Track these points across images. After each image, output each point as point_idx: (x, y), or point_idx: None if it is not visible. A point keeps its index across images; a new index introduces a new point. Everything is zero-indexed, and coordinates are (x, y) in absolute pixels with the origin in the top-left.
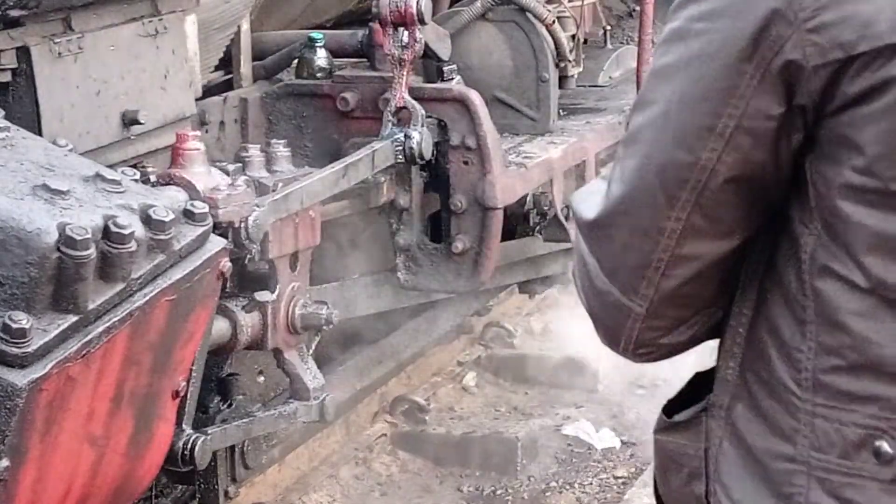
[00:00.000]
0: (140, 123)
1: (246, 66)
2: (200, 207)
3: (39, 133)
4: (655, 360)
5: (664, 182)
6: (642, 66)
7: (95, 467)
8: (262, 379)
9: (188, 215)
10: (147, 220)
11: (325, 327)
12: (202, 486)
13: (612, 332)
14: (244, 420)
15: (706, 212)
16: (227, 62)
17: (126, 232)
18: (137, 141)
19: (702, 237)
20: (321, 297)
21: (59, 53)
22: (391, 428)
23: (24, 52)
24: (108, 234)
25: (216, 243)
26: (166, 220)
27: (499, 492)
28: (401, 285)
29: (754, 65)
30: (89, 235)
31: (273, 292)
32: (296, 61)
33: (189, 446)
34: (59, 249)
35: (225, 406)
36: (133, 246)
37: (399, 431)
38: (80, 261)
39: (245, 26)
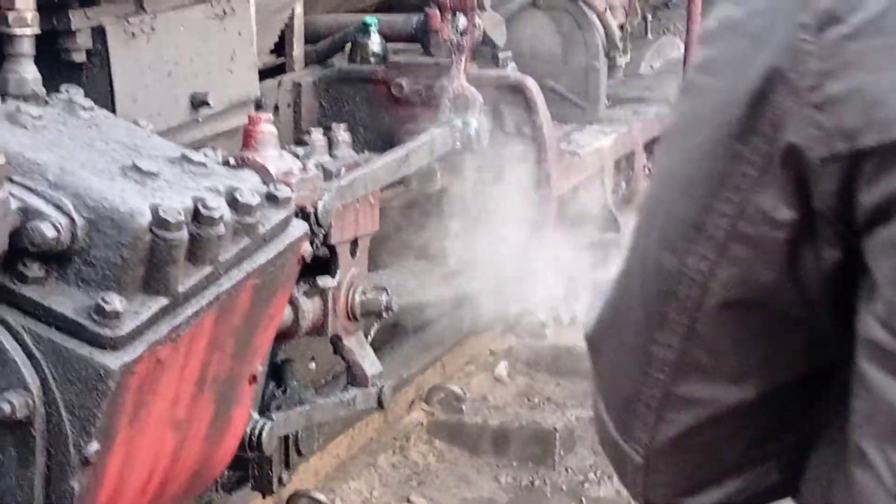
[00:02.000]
0: (209, 105)
1: (299, 50)
2: (284, 191)
3: (113, 114)
4: None
5: (648, 293)
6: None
7: (177, 452)
8: (313, 365)
9: (271, 199)
10: (233, 203)
11: (385, 314)
12: (256, 472)
13: (620, 477)
14: (306, 406)
15: (705, 343)
16: (280, 46)
17: (216, 215)
18: (204, 123)
19: (704, 377)
20: (377, 282)
21: (133, 34)
22: (428, 417)
23: (98, 32)
24: (197, 216)
25: (298, 228)
26: (253, 203)
27: (537, 483)
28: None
29: (751, 146)
30: (182, 217)
31: (334, 278)
32: (349, 46)
33: (257, 432)
34: (151, 231)
35: (280, 392)
36: (222, 229)
37: (436, 420)
38: (172, 243)
39: (298, 9)
